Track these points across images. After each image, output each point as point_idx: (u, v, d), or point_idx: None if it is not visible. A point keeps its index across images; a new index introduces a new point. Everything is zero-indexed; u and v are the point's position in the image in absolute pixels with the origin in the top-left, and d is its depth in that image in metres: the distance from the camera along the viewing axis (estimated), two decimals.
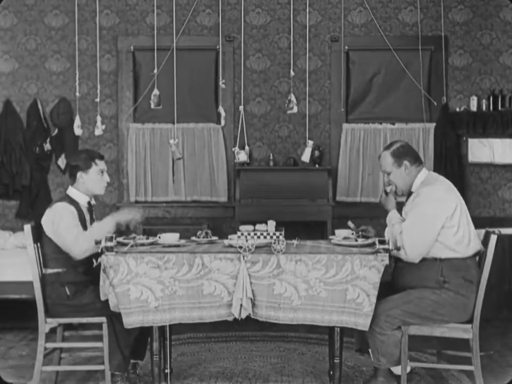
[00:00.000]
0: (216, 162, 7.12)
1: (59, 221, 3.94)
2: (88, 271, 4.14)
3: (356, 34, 7.09)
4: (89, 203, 4.19)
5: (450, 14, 7.04)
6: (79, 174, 4.11)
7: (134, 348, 4.07)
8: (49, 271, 4.01)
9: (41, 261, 4.04)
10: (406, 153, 3.92)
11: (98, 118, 5.09)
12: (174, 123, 7.08)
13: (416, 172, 3.93)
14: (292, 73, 5.09)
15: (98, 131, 5.11)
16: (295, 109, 4.83)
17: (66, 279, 3.99)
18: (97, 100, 5.45)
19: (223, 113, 5.14)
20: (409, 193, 3.98)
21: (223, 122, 5.17)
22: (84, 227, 4.04)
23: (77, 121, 5.11)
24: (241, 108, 4.86)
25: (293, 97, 4.81)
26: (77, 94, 5.53)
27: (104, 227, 4.00)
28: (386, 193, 4.07)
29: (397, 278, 3.96)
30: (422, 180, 3.92)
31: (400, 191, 3.99)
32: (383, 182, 4.20)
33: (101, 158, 4.19)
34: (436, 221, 3.73)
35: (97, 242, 3.74)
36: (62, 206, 4.02)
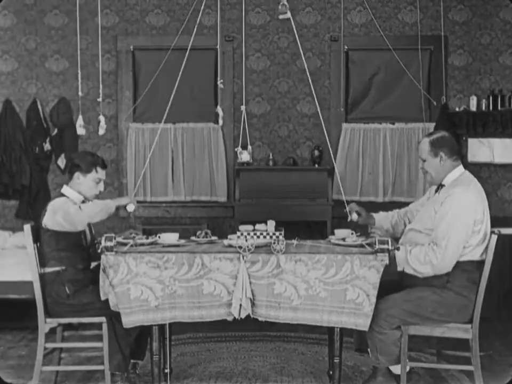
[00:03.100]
0: (215, 162, 7.12)
1: (59, 207, 3.95)
2: (87, 269, 4.15)
3: (355, 34, 7.09)
4: (83, 202, 4.19)
5: (450, 14, 7.03)
6: (76, 174, 4.12)
7: (134, 347, 4.07)
8: (49, 269, 4.01)
9: (39, 261, 4.03)
10: (444, 145, 3.87)
11: (102, 118, 5.06)
12: (173, 123, 7.11)
13: (451, 166, 3.88)
14: None
15: (102, 130, 5.09)
16: (289, 14, 4.46)
17: (66, 278, 3.99)
18: (99, 99, 5.45)
19: (221, 113, 5.13)
20: (440, 185, 3.92)
21: (221, 122, 5.15)
22: None
23: (80, 121, 5.08)
24: (242, 107, 4.84)
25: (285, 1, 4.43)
26: (80, 93, 5.52)
27: (106, 203, 4.01)
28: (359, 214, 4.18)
29: (403, 276, 3.93)
30: (456, 176, 3.87)
31: (430, 179, 3.95)
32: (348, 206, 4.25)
33: (104, 167, 4.20)
34: (468, 228, 3.70)
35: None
36: (59, 200, 4.04)
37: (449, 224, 3.70)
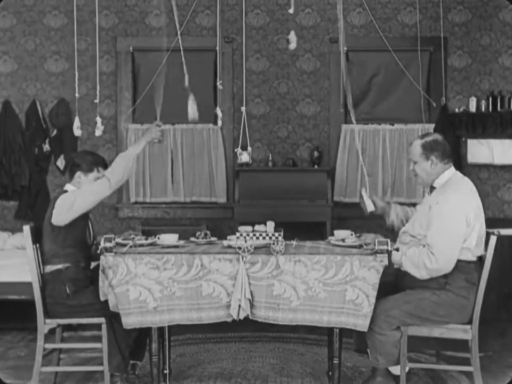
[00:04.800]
0: (215, 163, 7.12)
1: (75, 195, 3.95)
2: (88, 267, 4.14)
3: (355, 35, 7.09)
4: None
5: (450, 15, 7.04)
6: (77, 174, 4.11)
7: (133, 348, 4.07)
8: (50, 268, 3.98)
9: (40, 260, 4.01)
10: (436, 149, 3.84)
11: (98, 119, 5.07)
12: (173, 124, 7.11)
13: (442, 168, 3.86)
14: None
15: (98, 132, 5.10)
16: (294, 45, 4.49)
17: (67, 276, 3.97)
18: (96, 100, 5.46)
19: (219, 114, 5.14)
20: (432, 188, 3.92)
21: (219, 123, 5.16)
22: (82, 219, 4.04)
23: (77, 122, 5.08)
24: (243, 108, 4.84)
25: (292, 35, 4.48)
26: (76, 95, 5.52)
27: (136, 149, 4.17)
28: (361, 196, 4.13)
29: (399, 278, 3.94)
30: (447, 179, 3.85)
31: (421, 182, 3.97)
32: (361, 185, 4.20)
33: (105, 167, 4.19)
34: (460, 229, 3.67)
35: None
36: (67, 194, 4.02)
37: (440, 228, 3.67)
